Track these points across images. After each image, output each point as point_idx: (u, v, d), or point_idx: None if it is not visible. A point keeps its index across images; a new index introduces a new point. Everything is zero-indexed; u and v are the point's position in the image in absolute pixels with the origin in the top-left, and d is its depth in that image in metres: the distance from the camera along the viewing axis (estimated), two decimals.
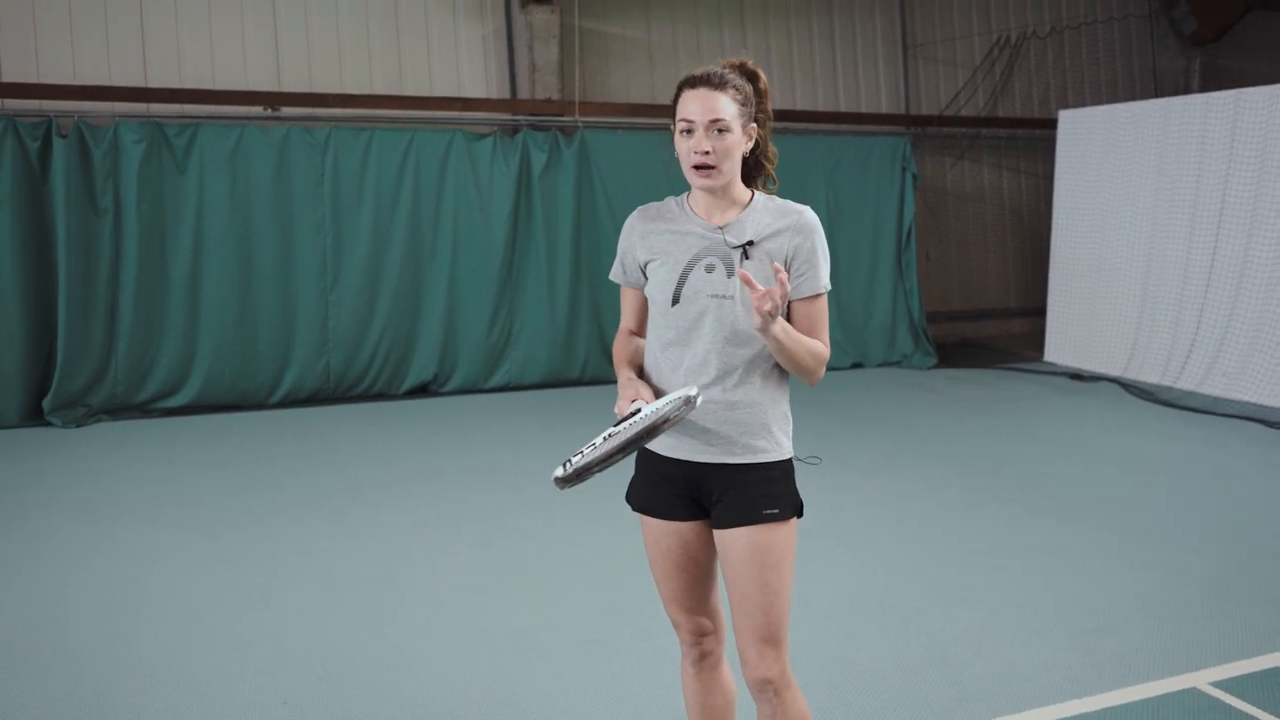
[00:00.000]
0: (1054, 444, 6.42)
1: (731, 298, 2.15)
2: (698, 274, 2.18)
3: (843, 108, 10.08)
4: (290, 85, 8.07)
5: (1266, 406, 7.17)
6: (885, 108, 10.30)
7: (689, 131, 2.15)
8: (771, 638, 2.17)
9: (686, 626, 2.32)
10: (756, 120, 2.23)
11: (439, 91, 8.55)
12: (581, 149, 8.44)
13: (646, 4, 9.34)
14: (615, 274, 2.38)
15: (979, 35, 10.67)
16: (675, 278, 2.20)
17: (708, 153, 2.13)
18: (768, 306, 1.96)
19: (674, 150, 2.21)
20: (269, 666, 3.36)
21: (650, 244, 2.26)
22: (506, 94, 8.80)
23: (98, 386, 7.30)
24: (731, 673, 2.41)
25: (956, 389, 8.30)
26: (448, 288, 8.12)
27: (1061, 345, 9.23)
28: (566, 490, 2.05)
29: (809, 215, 2.22)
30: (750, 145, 2.22)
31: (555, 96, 8.64)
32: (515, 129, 8.51)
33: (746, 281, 1.97)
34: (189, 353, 7.52)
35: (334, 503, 5.26)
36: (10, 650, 3.49)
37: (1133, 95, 10.87)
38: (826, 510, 4.88)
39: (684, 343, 2.19)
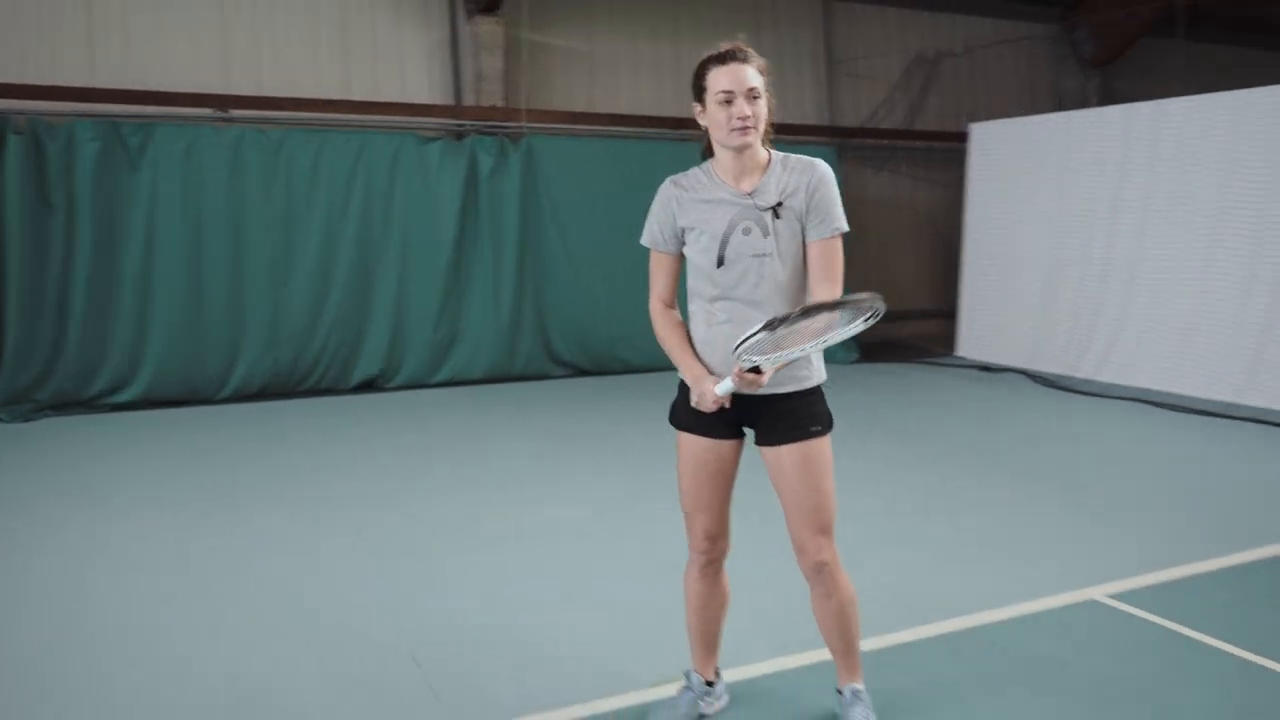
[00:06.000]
0: (967, 422, 7.01)
1: (769, 255, 2.50)
2: (737, 237, 2.51)
3: (773, 119, 10.62)
4: (240, 88, 8.26)
5: (1154, 390, 7.93)
6: (811, 120, 10.89)
7: (729, 101, 2.45)
8: (825, 528, 2.58)
9: (703, 527, 2.66)
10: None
11: (385, 97, 8.83)
12: (528, 154, 8.80)
13: (589, 18, 9.76)
14: (650, 240, 2.64)
15: (898, 53, 11.37)
16: (717, 244, 2.52)
17: (748, 116, 2.45)
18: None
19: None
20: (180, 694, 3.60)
21: (687, 212, 2.57)
22: (451, 100, 9.12)
23: (46, 381, 7.37)
24: (729, 580, 2.79)
25: (878, 379, 8.87)
26: (396, 285, 8.38)
27: (972, 341, 9.91)
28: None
29: (820, 168, 2.55)
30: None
31: (500, 104, 9.00)
32: (461, 134, 8.83)
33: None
34: (138, 348, 7.63)
35: (273, 493, 5.26)
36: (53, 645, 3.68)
37: (1037, 111, 11.68)
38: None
39: (733, 297, 2.53)
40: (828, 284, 2.52)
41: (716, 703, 2.86)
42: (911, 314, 11.65)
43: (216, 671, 3.18)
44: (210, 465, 5.83)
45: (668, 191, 2.63)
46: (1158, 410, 7.35)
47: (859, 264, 11.14)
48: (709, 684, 2.85)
